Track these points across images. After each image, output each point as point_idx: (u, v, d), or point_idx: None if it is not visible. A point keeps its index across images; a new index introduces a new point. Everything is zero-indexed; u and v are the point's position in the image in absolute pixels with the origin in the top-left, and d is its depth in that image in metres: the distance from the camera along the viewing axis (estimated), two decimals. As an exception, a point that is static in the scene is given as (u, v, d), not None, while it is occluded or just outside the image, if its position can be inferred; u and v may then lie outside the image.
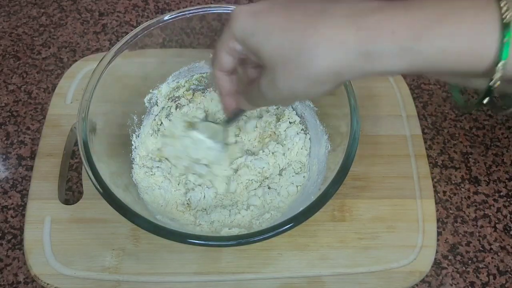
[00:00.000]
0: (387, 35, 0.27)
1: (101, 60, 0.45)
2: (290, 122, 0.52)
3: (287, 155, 0.50)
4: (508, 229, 0.51)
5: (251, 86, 0.35)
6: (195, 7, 0.48)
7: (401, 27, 0.27)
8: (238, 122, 0.52)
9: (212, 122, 0.48)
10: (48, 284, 0.44)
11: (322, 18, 0.29)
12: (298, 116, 0.53)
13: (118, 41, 0.46)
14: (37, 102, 0.59)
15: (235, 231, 0.44)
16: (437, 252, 0.48)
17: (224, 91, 0.38)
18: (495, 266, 0.49)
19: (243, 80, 0.38)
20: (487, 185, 0.54)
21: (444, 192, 0.53)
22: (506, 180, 0.54)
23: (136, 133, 0.51)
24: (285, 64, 0.30)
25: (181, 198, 0.48)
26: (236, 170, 0.49)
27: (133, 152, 0.50)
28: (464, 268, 0.49)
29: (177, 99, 0.54)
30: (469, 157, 0.56)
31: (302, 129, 0.52)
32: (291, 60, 0.29)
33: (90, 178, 0.39)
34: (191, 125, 0.48)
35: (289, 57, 0.29)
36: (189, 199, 0.48)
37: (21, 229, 0.49)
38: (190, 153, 0.48)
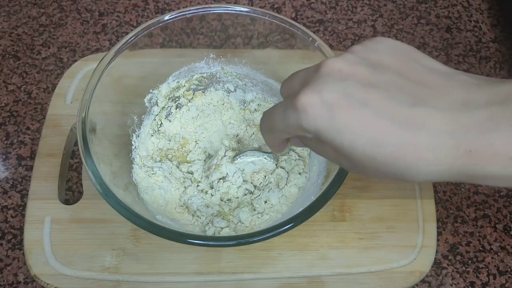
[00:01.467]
0: (502, 161, 0.23)
1: (101, 60, 0.45)
2: None
3: (291, 162, 0.50)
4: (508, 229, 0.51)
5: (317, 143, 0.31)
6: (195, 7, 0.48)
7: None
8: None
9: (254, 149, 0.48)
10: (48, 284, 0.44)
11: (418, 131, 0.25)
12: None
13: (118, 41, 0.46)
14: (37, 102, 0.59)
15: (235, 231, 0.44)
16: (437, 252, 0.48)
17: (275, 146, 0.36)
18: (495, 266, 0.49)
19: None
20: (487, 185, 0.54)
21: (444, 192, 0.53)
22: (506, 180, 0.54)
23: (136, 133, 0.51)
24: (375, 167, 0.27)
25: (181, 198, 0.48)
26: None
27: (133, 152, 0.50)
28: (464, 268, 0.49)
29: (177, 99, 0.54)
30: (469, 157, 0.56)
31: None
32: (383, 167, 0.26)
33: (90, 178, 0.39)
34: (232, 159, 0.48)
35: (380, 165, 0.26)
36: (185, 202, 0.48)
37: (21, 229, 0.49)
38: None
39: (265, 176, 0.49)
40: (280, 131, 0.32)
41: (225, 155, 0.47)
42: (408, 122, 0.25)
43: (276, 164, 0.48)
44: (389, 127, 0.25)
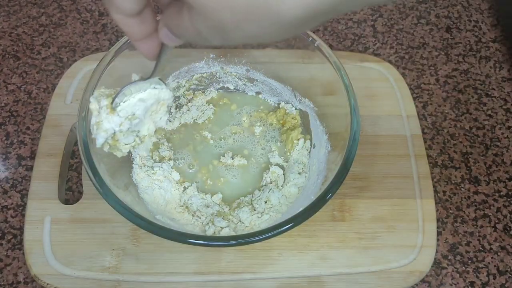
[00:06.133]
0: None
1: (101, 60, 0.45)
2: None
3: (289, 160, 0.51)
4: (508, 229, 0.51)
5: (175, 14, 0.25)
6: (195, 7, 0.48)
7: None
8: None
9: (138, 80, 0.36)
10: (48, 284, 0.44)
11: None
12: (300, 118, 0.53)
13: (118, 41, 0.46)
14: (37, 102, 0.59)
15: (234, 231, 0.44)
16: (437, 252, 0.48)
17: (136, 37, 0.28)
18: (495, 266, 0.49)
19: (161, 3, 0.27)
20: (487, 185, 0.54)
21: (444, 192, 0.53)
22: (506, 180, 0.54)
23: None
24: (233, 8, 0.21)
25: (180, 198, 0.48)
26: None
27: (133, 152, 0.50)
28: (464, 268, 0.49)
29: (177, 99, 0.54)
30: (469, 157, 0.56)
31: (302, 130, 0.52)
32: (242, 3, 0.20)
33: (90, 178, 0.39)
34: (111, 108, 0.35)
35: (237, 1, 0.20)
36: (185, 203, 0.48)
37: (21, 229, 0.49)
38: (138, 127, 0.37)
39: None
40: None
41: (100, 108, 0.35)
42: None
43: (170, 90, 0.37)
44: None
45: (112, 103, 0.35)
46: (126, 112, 0.35)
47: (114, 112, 0.34)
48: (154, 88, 0.36)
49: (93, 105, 0.35)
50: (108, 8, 0.25)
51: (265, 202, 0.47)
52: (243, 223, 0.45)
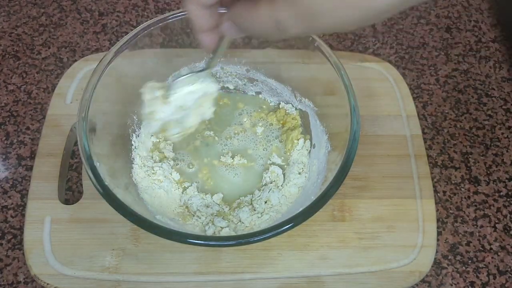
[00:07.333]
0: None
1: (101, 60, 0.45)
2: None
3: (289, 160, 0.51)
4: (508, 229, 0.51)
5: (248, 7, 0.26)
6: (195, 7, 0.48)
7: None
8: None
9: (189, 73, 0.37)
10: (48, 284, 0.44)
11: None
12: (300, 118, 0.53)
13: (118, 41, 0.46)
14: (37, 102, 0.59)
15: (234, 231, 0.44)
16: (437, 252, 0.48)
17: (202, 28, 0.29)
18: (495, 266, 0.49)
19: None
20: (487, 185, 0.54)
21: (444, 192, 0.53)
22: (506, 180, 0.54)
23: (136, 133, 0.51)
24: None
25: (181, 198, 0.48)
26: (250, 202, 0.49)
27: (133, 152, 0.50)
28: (464, 268, 0.49)
29: (177, 99, 0.54)
30: (469, 157, 0.56)
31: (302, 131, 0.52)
32: None
33: (90, 178, 0.39)
34: (164, 96, 0.36)
35: None
36: (185, 203, 0.48)
37: (21, 229, 0.49)
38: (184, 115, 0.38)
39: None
40: None
41: (154, 98, 0.37)
42: None
43: (216, 83, 0.39)
44: None
45: (165, 94, 0.36)
46: (177, 103, 0.36)
47: (167, 102, 0.36)
48: (202, 82, 0.37)
49: (147, 96, 0.36)
50: (187, 2, 0.27)
51: (265, 202, 0.47)
52: (243, 223, 0.45)
